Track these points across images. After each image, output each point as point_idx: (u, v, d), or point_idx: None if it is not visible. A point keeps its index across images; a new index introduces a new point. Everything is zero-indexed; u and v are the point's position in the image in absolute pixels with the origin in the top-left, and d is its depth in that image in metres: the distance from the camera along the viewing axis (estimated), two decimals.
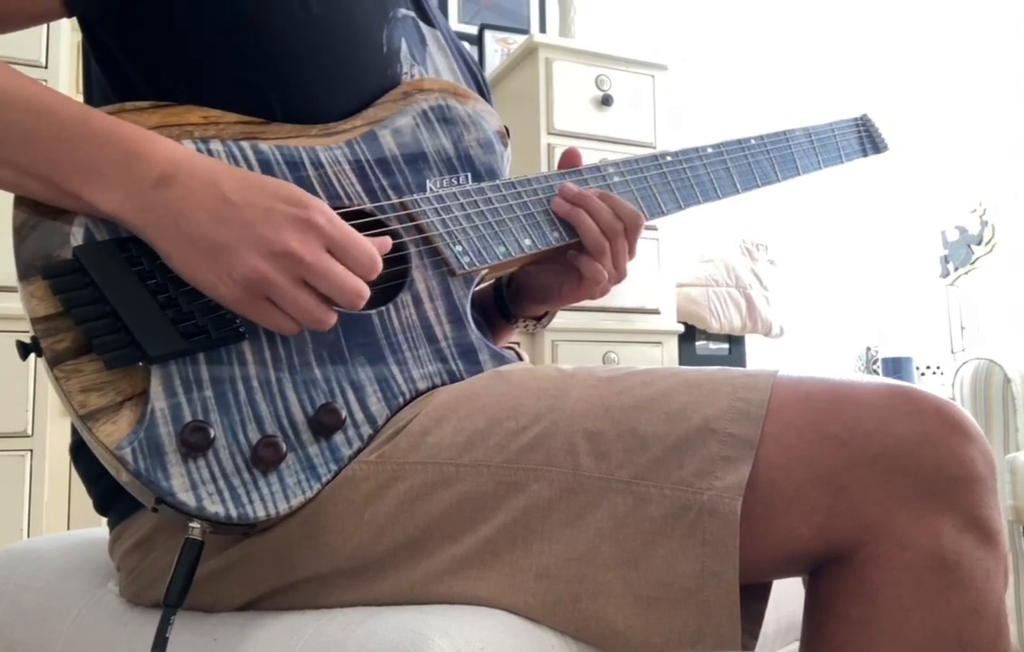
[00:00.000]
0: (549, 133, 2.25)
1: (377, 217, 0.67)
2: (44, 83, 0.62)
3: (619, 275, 0.79)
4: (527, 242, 0.73)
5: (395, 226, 0.67)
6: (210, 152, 0.62)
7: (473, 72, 0.85)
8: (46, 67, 1.68)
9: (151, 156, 0.56)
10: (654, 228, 2.32)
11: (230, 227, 0.55)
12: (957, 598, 0.50)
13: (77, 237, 0.56)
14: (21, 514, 1.58)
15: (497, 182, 0.75)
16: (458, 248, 0.69)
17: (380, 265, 0.59)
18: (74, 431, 0.72)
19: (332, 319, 0.58)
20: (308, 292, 0.57)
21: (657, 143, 2.38)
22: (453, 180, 0.73)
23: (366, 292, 0.58)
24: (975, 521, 0.51)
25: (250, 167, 0.63)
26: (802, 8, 3.55)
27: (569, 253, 0.78)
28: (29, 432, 1.60)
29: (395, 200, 0.68)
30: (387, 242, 0.62)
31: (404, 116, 0.71)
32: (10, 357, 1.60)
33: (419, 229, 0.68)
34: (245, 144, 0.63)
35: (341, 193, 0.66)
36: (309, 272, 0.56)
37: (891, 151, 1.04)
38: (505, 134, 0.80)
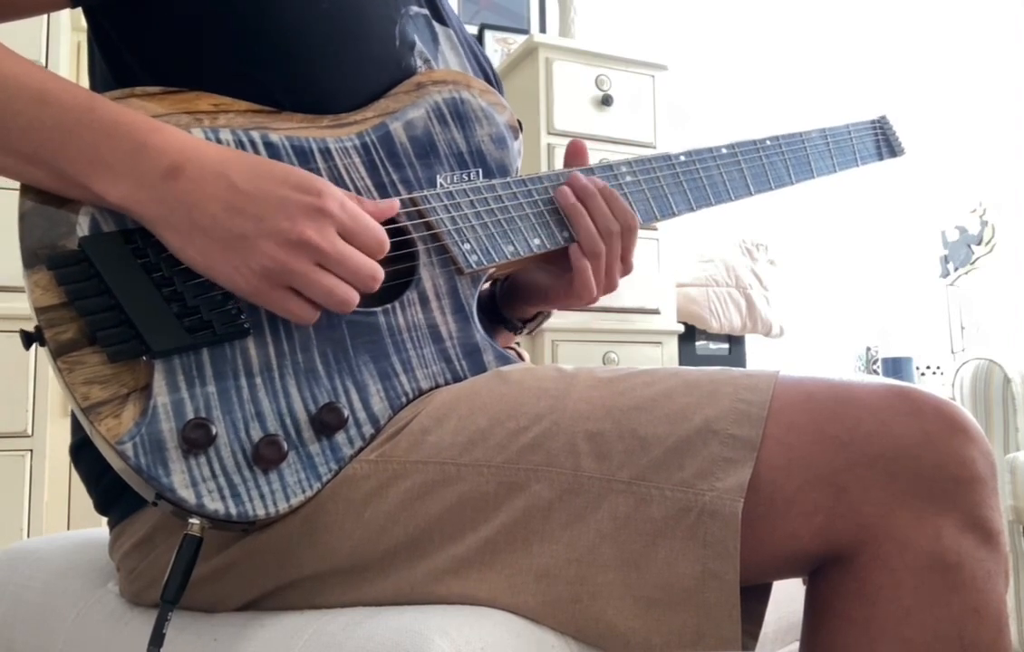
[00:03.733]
0: (549, 133, 2.25)
1: None
2: None
3: (608, 284, 0.77)
4: (536, 242, 0.73)
5: (404, 222, 0.67)
6: (219, 140, 0.61)
7: (486, 72, 0.85)
8: (46, 66, 1.68)
9: (159, 146, 0.56)
10: (654, 228, 2.32)
11: (245, 218, 0.55)
12: (958, 599, 0.50)
13: (83, 227, 0.56)
14: (21, 514, 1.58)
15: (508, 179, 0.74)
16: (466, 246, 0.69)
17: (387, 246, 0.60)
18: (74, 431, 0.72)
19: (355, 298, 0.58)
20: (329, 274, 0.57)
21: (657, 143, 2.38)
22: (464, 175, 0.72)
23: (380, 273, 0.59)
24: (976, 521, 0.51)
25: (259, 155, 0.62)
26: (802, 9, 3.55)
27: (571, 249, 0.76)
28: (29, 432, 1.60)
29: (405, 196, 0.68)
30: (394, 204, 0.64)
31: (416, 108, 0.71)
32: (11, 357, 1.60)
33: (428, 226, 0.68)
34: (255, 133, 0.63)
35: (350, 186, 0.66)
36: (326, 259, 0.57)
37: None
38: (517, 127, 0.80)
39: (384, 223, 0.65)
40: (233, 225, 0.55)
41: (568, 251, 0.75)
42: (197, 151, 0.57)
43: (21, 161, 0.56)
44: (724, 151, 0.86)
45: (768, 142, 0.89)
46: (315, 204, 0.56)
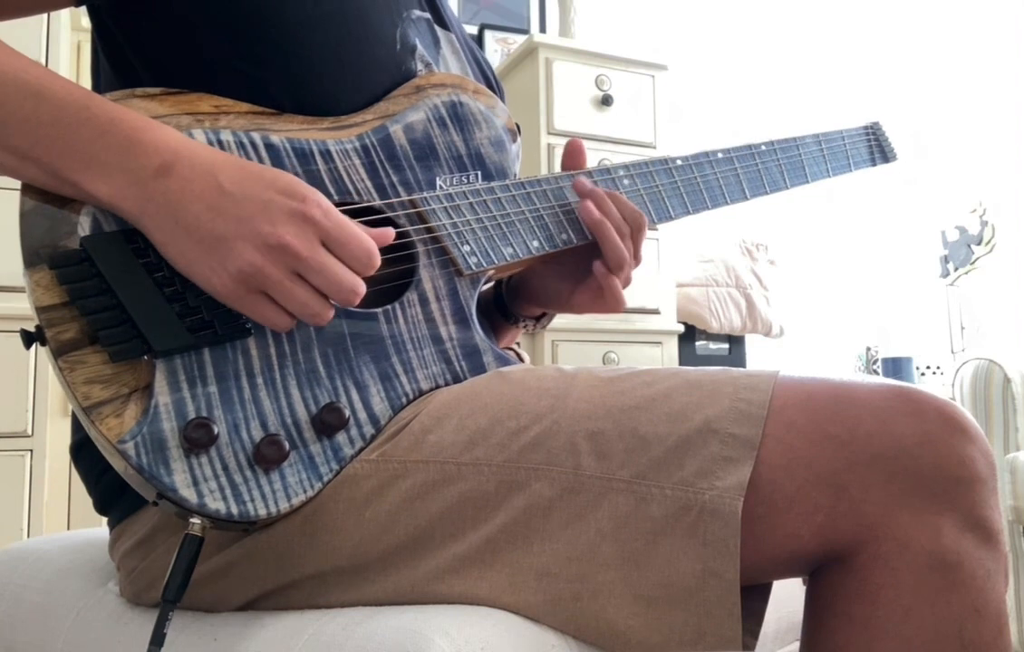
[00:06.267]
0: (549, 133, 2.25)
1: (386, 214, 0.67)
2: None
3: (625, 283, 0.78)
4: (535, 244, 0.73)
5: (404, 225, 0.67)
6: (220, 142, 0.61)
7: (487, 76, 0.85)
8: (45, 65, 1.68)
9: (151, 145, 0.56)
10: (654, 228, 2.32)
11: (226, 219, 0.55)
12: (958, 598, 0.50)
13: (85, 227, 0.56)
14: (21, 514, 1.58)
15: (507, 182, 0.74)
16: (466, 248, 0.69)
17: (378, 261, 0.59)
18: (74, 431, 0.72)
19: (330, 313, 0.58)
20: (304, 286, 0.56)
21: (657, 143, 2.38)
22: (463, 178, 0.72)
23: (361, 288, 0.58)
24: (976, 521, 0.51)
25: (260, 157, 0.62)
26: (802, 9, 3.55)
27: (597, 270, 0.76)
28: (29, 432, 1.60)
29: (405, 198, 0.68)
30: (389, 233, 0.62)
31: (416, 111, 0.71)
32: (11, 357, 1.60)
33: (428, 228, 0.68)
34: (256, 134, 0.63)
35: (351, 188, 0.66)
36: (304, 267, 0.56)
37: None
38: (516, 131, 0.80)
39: (384, 226, 0.65)
40: (214, 226, 0.55)
41: (594, 269, 0.76)
42: (189, 151, 0.57)
43: (16, 157, 0.56)
44: (720, 156, 0.87)
45: (763, 147, 0.91)
46: (298, 209, 0.56)
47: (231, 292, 0.56)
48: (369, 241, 0.58)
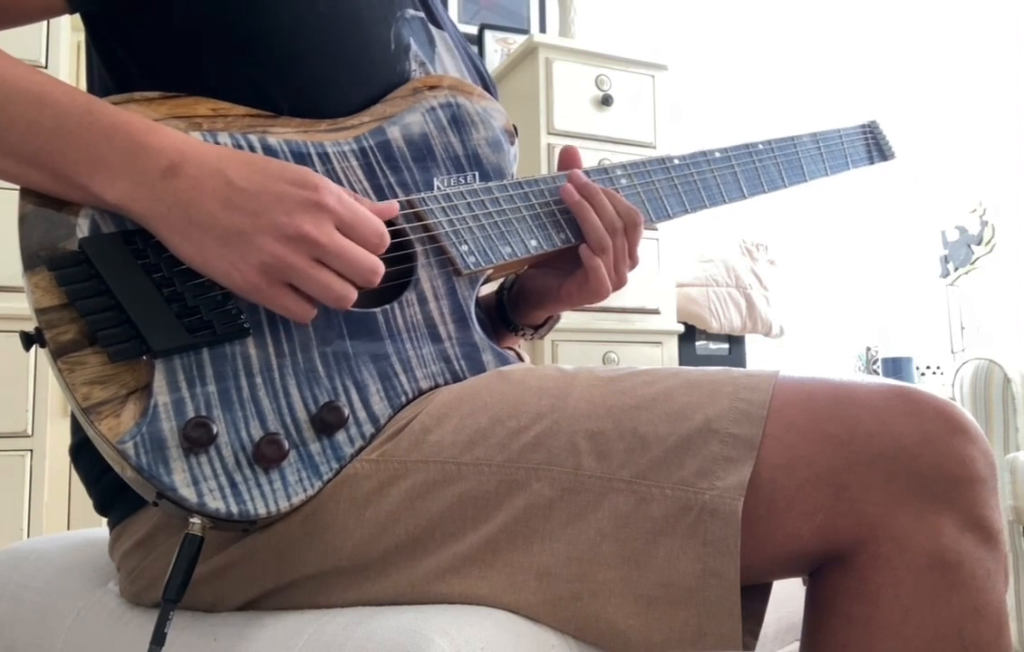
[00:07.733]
0: (549, 133, 2.25)
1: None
2: None
3: (618, 280, 0.78)
4: (533, 243, 0.73)
5: (402, 225, 0.67)
6: (218, 145, 0.61)
7: (481, 74, 0.85)
8: (46, 66, 1.68)
9: (157, 146, 0.56)
10: (654, 228, 2.32)
11: (242, 213, 0.55)
12: (958, 598, 0.50)
13: (83, 228, 0.56)
14: (21, 514, 1.58)
15: (504, 182, 0.74)
16: (464, 248, 0.69)
17: (387, 240, 0.60)
18: (73, 432, 0.72)
19: (354, 294, 0.58)
20: (327, 270, 0.57)
21: (657, 143, 2.38)
22: (461, 179, 0.73)
23: (380, 267, 0.59)
24: (975, 521, 0.51)
25: None
26: (802, 9, 3.55)
27: (583, 252, 0.76)
28: (29, 432, 1.60)
29: (402, 198, 0.68)
30: (393, 206, 0.63)
31: (413, 113, 0.71)
32: (10, 357, 1.60)
33: (425, 228, 0.68)
34: (253, 137, 0.63)
35: (348, 189, 0.66)
36: (325, 253, 0.56)
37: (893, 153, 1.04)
38: (513, 132, 0.80)
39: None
40: (230, 221, 0.55)
41: (579, 251, 0.76)
42: (195, 150, 0.57)
43: (20, 163, 0.56)
44: (718, 155, 0.88)
45: (761, 146, 0.91)
46: (312, 198, 0.56)
47: (253, 285, 0.56)
48: (378, 221, 0.59)
